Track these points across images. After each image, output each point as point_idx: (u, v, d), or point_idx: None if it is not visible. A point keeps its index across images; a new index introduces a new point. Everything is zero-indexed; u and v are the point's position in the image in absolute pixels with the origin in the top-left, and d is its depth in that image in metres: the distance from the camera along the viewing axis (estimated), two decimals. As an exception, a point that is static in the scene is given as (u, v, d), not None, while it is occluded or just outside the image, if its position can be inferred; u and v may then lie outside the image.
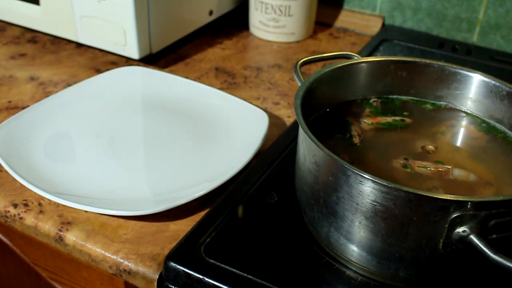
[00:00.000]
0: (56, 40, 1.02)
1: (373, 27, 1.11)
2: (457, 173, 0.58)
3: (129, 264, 0.59)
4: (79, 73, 0.93)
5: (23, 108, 0.82)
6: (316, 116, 0.64)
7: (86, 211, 0.64)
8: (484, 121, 0.65)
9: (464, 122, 0.66)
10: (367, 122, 0.64)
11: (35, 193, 0.66)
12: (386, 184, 0.48)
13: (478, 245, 0.48)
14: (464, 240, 0.48)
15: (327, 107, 0.66)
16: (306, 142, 0.56)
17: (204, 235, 0.59)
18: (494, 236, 0.49)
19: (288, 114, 0.84)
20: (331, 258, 0.57)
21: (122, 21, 0.89)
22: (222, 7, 1.08)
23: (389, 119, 0.65)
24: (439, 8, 1.06)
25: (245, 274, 0.55)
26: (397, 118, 0.65)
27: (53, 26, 0.98)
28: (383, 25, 1.12)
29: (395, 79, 0.68)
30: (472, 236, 0.48)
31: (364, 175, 0.49)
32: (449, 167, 0.58)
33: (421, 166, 0.58)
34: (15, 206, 0.65)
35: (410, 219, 0.49)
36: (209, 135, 0.77)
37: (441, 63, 0.67)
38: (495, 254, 0.47)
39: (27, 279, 0.79)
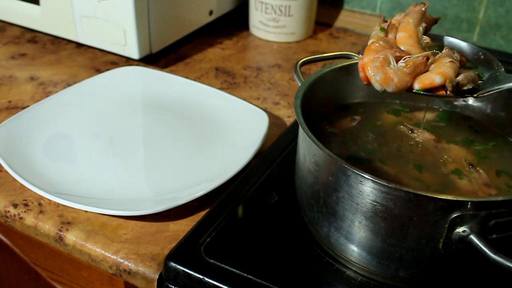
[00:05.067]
0: (56, 40, 1.02)
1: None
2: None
3: (129, 264, 0.59)
4: (79, 73, 0.93)
5: (23, 108, 0.82)
6: (316, 116, 0.64)
7: (86, 211, 0.64)
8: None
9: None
10: None
11: (35, 193, 0.66)
12: (386, 184, 0.48)
13: (478, 245, 0.48)
14: (464, 240, 0.48)
15: (327, 107, 0.66)
16: (306, 142, 0.56)
17: (204, 235, 0.59)
18: (494, 236, 0.49)
19: (288, 114, 0.84)
20: (331, 258, 0.57)
21: (122, 21, 0.89)
22: (222, 7, 1.08)
23: None
24: (439, 8, 1.06)
25: (245, 274, 0.55)
26: None
27: (53, 26, 0.98)
28: (383, 25, 1.12)
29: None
30: (472, 236, 0.48)
31: (364, 175, 0.49)
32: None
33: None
34: (15, 206, 0.65)
35: (410, 219, 0.49)
36: (209, 135, 0.77)
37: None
38: (495, 254, 0.47)
39: (27, 279, 0.79)
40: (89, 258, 0.61)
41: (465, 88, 0.54)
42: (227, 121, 0.79)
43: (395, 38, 0.58)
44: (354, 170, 0.49)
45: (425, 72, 0.55)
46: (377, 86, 0.54)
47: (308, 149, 0.55)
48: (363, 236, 0.52)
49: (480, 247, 0.47)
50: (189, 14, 0.99)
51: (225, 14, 1.10)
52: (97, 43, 0.95)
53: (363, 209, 0.51)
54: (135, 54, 0.92)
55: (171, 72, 0.93)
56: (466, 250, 0.49)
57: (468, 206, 0.47)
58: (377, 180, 0.48)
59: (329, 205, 0.54)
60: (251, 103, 0.82)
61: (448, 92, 0.53)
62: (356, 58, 0.67)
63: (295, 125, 0.79)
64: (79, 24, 0.94)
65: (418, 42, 0.57)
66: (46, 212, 0.65)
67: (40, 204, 0.66)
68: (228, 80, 0.93)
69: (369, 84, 0.55)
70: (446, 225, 0.48)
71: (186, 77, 0.89)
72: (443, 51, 0.57)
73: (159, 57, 0.98)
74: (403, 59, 0.54)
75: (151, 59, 0.96)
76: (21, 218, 0.65)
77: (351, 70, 0.66)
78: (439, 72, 0.54)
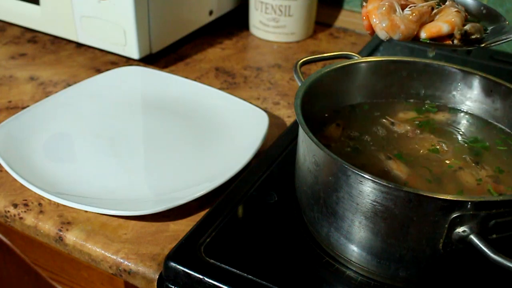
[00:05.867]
0: (56, 40, 1.02)
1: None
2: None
3: (129, 264, 0.59)
4: (79, 73, 0.93)
5: (23, 108, 0.82)
6: (316, 116, 0.64)
7: (86, 211, 0.64)
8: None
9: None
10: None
11: (35, 193, 0.66)
12: (386, 184, 0.48)
13: (478, 245, 0.48)
14: (464, 240, 0.48)
15: (327, 107, 0.66)
16: (306, 142, 0.56)
17: (204, 235, 0.59)
18: (494, 236, 0.49)
19: (288, 114, 0.84)
20: (331, 258, 0.57)
21: (122, 21, 0.89)
22: (222, 7, 1.08)
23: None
24: (439, 8, 1.06)
25: (245, 274, 0.55)
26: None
27: (53, 26, 0.98)
28: (383, 25, 1.12)
29: (395, 79, 0.68)
30: (472, 236, 0.48)
31: (364, 175, 0.49)
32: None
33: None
34: (15, 206, 0.65)
35: (410, 219, 0.49)
36: (209, 135, 0.77)
37: (441, 63, 0.66)
38: (495, 254, 0.47)
39: (27, 279, 0.79)
40: (89, 258, 0.61)
41: (473, 37, 0.53)
42: (227, 121, 0.79)
43: None
44: (354, 170, 0.49)
45: (430, 22, 0.54)
46: (382, 34, 0.52)
47: (308, 149, 0.55)
48: (363, 236, 0.52)
49: (480, 247, 0.47)
50: (189, 14, 0.99)
51: (225, 14, 1.10)
52: (97, 43, 0.95)
53: (363, 209, 0.51)
54: (135, 54, 0.92)
55: (171, 72, 0.93)
56: (466, 250, 0.49)
57: (468, 206, 0.47)
58: (377, 180, 0.48)
59: (329, 205, 0.54)
60: (251, 103, 0.82)
61: (455, 41, 0.53)
62: (356, 58, 0.67)
63: (295, 125, 0.79)
64: (79, 24, 0.94)
65: None
66: (46, 212, 0.65)
67: (40, 204, 0.66)
68: (228, 80, 0.93)
69: (372, 33, 0.54)
70: (446, 225, 0.48)
71: (186, 77, 0.89)
72: (446, 3, 0.56)
73: (159, 57, 0.98)
74: (409, 7, 0.53)
75: (151, 59, 0.96)
76: (21, 218, 0.65)
77: (351, 70, 0.66)
78: (446, 21, 0.53)
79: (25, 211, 0.65)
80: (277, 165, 0.71)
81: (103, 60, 0.97)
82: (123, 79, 0.87)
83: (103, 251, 0.60)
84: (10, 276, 0.81)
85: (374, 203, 0.50)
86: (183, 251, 0.58)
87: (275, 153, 0.73)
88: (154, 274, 0.58)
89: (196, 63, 0.98)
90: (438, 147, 0.61)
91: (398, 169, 0.58)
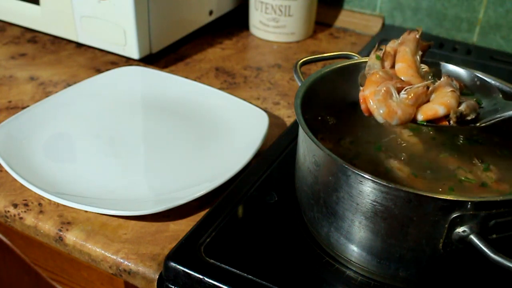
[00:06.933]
0: (56, 40, 1.02)
1: (373, 27, 1.11)
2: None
3: (129, 264, 0.59)
4: (79, 73, 0.93)
5: (23, 108, 0.82)
6: (316, 116, 0.64)
7: (86, 211, 0.64)
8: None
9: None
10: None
11: (35, 193, 0.66)
12: (386, 184, 0.48)
13: (478, 245, 0.48)
14: (464, 240, 0.48)
15: (327, 107, 0.66)
16: (306, 142, 0.56)
17: (204, 235, 0.59)
18: (494, 236, 0.49)
19: (288, 114, 0.84)
20: (331, 258, 0.57)
21: (122, 21, 0.89)
22: (222, 7, 1.08)
23: None
24: (439, 8, 1.06)
25: (245, 274, 0.55)
26: None
27: (53, 26, 0.98)
28: (383, 25, 1.12)
29: (395, 79, 0.68)
30: (472, 236, 0.48)
31: (364, 175, 0.49)
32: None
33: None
34: (15, 206, 0.65)
35: (410, 219, 0.49)
36: (209, 135, 0.77)
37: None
38: (495, 254, 0.47)
39: (27, 279, 0.79)
40: (89, 258, 0.61)
41: (468, 118, 0.54)
42: (227, 121, 0.79)
43: (392, 66, 0.59)
44: (354, 170, 0.49)
45: (426, 102, 0.55)
46: (380, 119, 0.54)
47: (308, 149, 0.56)
48: (363, 236, 0.52)
49: (480, 247, 0.47)
50: (189, 14, 0.99)
51: (225, 14, 1.10)
52: (97, 43, 0.95)
53: (363, 209, 0.51)
54: (135, 54, 0.92)
55: (171, 72, 0.93)
56: (466, 250, 0.49)
57: (468, 206, 0.47)
58: (377, 180, 0.48)
59: (329, 205, 0.54)
60: (251, 103, 0.82)
61: (451, 122, 0.54)
62: (356, 58, 0.67)
63: (295, 125, 0.79)
64: (79, 24, 0.94)
65: (417, 72, 0.58)
66: (46, 212, 0.65)
67: (40, 204, 0.66)
68: (228, 80, 0.93)
69: (370, 115, 0.55)
70: (446, 225, 0.48)
71: (186, 77, 0.89)
72: (442, 79, 0.57)
73: (159, 57, 0.98)
74: (404, 90, 0.54)
75: (151, 59, 0.96)
76: (21, 218, 0.65)
77: (351, 70, 0.66)
78: (441, 103, 0.54)
79: (25, 211, 0.65)
80: (277, 165, 0.71)
81: (103, 60, 0.97)
82: (123, 79, 0.87)
83: (103, 251, 0.60)
84: (10, 276, 0.81)
85: (374, 203, 0.50)
86: (183, 251, 0.58)
87: (275, 153, 0.73)
88: (154, 274, 0.58)
89: (196, 63, 0.98)
90: (438, 147, 0.61)
91: (398, 168, 0.58)
